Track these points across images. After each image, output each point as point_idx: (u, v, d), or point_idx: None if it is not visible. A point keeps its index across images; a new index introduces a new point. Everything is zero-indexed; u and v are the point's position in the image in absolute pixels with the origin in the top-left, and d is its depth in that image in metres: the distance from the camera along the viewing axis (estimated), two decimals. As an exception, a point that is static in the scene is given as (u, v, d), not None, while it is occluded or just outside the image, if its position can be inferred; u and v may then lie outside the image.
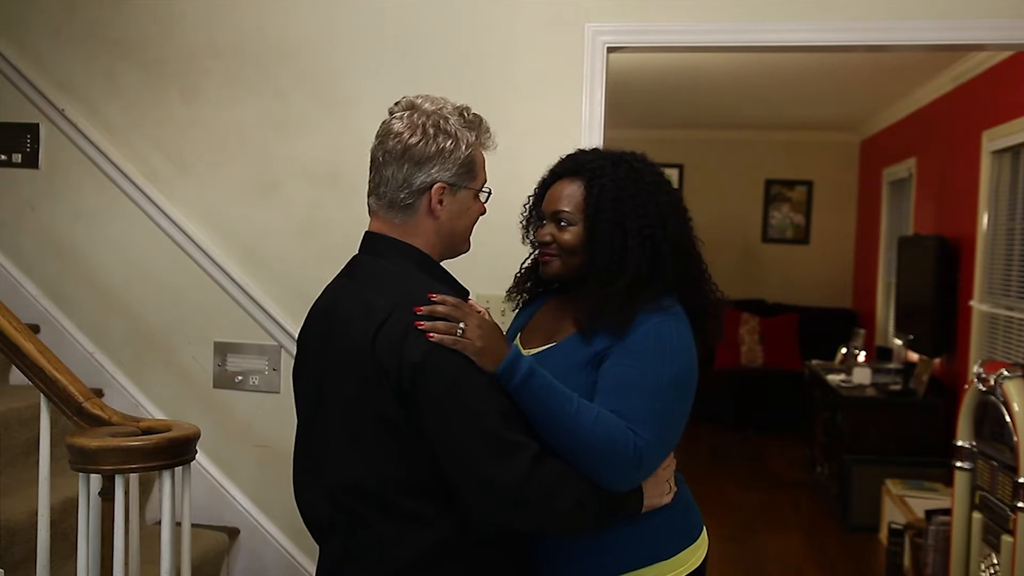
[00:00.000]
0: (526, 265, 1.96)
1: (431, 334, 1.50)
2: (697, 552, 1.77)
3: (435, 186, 1.63)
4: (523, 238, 1.94)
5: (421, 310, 1.52)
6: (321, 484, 1.65)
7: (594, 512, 1.57)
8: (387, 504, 1.56)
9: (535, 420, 1.55)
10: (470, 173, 1.67)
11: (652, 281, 1.69)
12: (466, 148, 1.64)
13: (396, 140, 1.63)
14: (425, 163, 1.62)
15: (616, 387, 1.61)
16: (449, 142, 1.63)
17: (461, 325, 1.52)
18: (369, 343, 1.52)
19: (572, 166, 1.81)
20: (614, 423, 1.56)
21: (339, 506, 1.62)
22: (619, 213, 1.69)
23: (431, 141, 1.62)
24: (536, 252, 1.88)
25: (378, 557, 1.58)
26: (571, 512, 1.55)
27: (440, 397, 1.50)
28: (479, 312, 1.59)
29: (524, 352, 1.77)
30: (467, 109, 1.69)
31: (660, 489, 1.69)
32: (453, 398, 1.50)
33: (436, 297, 1.54)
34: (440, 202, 1.64)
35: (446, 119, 1.64)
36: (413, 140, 1.62)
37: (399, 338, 1.50)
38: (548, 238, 1.77)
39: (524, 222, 1.92)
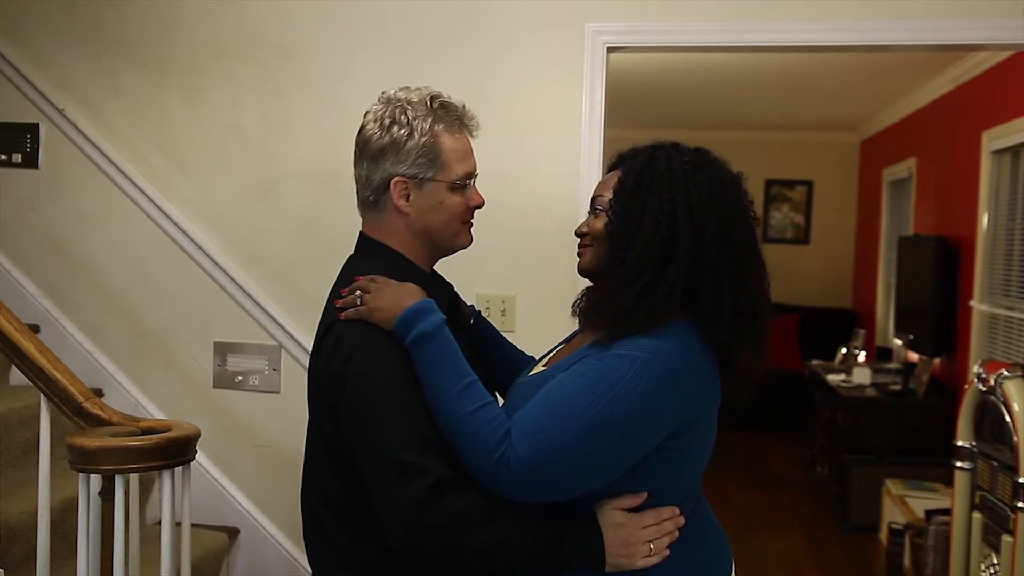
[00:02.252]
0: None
1: (341, 313, 1.49)
2: None
3: (393, 180, 1.55)
4: None
5: (344, 292, 1.51)
6: (303, 480, 1.66)
7: (523, 554, 1.41)
8: (340, 512, 1.53)
9: (425, 391, 1.43)
10: (433, 164, 1.56)
11: (659, 282, 1.45)
12: (420, 136, 1.54)
13: (359, 135, 1.60)
14: (379, 157, 1.55)
15: (539, 394, 1.44)
16: (402, 132, 1.54)
17: (358, 293, 1.50)
18: (315, 352, 1.53)
19: (619, 157, 1.64)
20: (492, 424, 1.38)
21: (312, 511, 1.62)
22: (641, 190, 1.49)
23: (384, 133, 1.55)
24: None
25: (337, 564, 1.56)
26: (488, 550, 1.39)
27: (352, 409, 1.44)
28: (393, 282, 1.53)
29: (535, 371, 1.64)
30: (435, 97, 1.60)
31: (629, 549, 1.43)
32: (362, 412, 1.42)
33: (359, 279, 1.52)
34: (405, 197, 1.56)
35: (404, 108, 1.56)
36: (369, 133, 1.57)
37: (331, 348, 1.48)
38: (584, 229, 1.60)
39: None
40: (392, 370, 1.43)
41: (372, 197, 1.58)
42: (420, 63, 2.95)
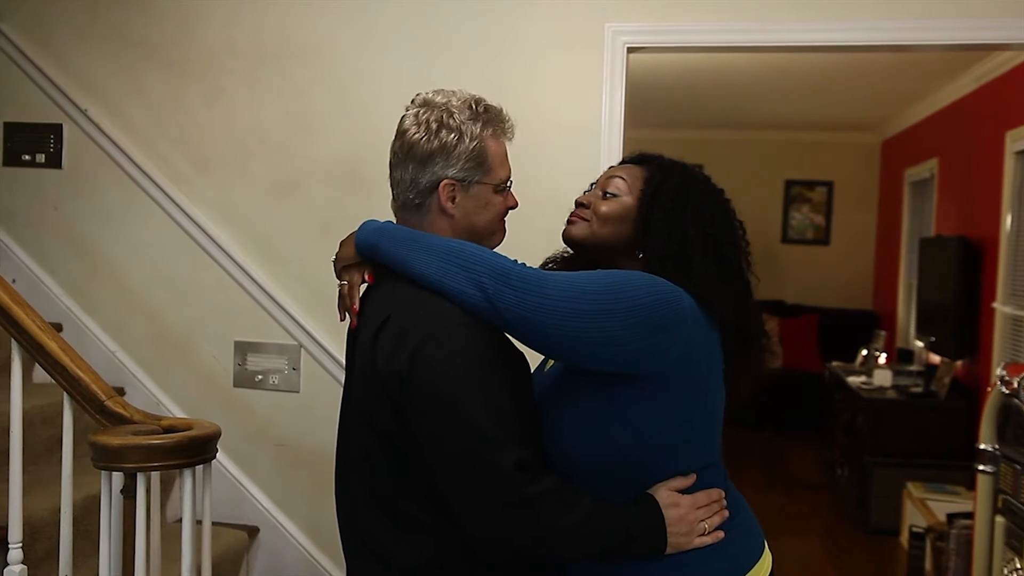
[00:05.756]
0: (554, 258, 1.84)
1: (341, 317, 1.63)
2: None
3: (442, 183, 1.56)
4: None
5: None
6: (341, 488, 1.66)
7: (601, 536, 1.45)
8: (390, 511, 1.53)
9: (421, 266, 1.48)
10: (481, 167, 1.58)
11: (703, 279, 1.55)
12: (471, 141, 1.56)
13: (402, 139, 1.60)
14: (428, 160, 1.56)
15: None
16: (452, 136, 1.55)
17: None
18: (371, 349, 1.51)
19: (641, 156, 1.72)
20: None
21: (352, 510, 1.62)
22: (681, 200, 1.59)
23: (433, 137, 1.56)
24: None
25: (380, 564, 1.55)
26: (569, 532, 1.43)
27: (426, 405, 1.44)
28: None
29: (549, 365, 1.68)
30: (479, 101, 1.61)
31: (688, 527, 1.50)
32: (437, 405, 1.43)
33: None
34: (452, 200, 1.57)
35: (451, 113, 1.57)
36: (416, 137, 1.57)
37: (392, 343, 1.46)
38: (586, 201, 1.66)
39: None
40: (464, 359, 1.44)
41: (418, 200, 1.59)
42: (440, 62, 2.96)
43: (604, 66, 2.85)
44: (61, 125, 3.29)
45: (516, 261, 1.47)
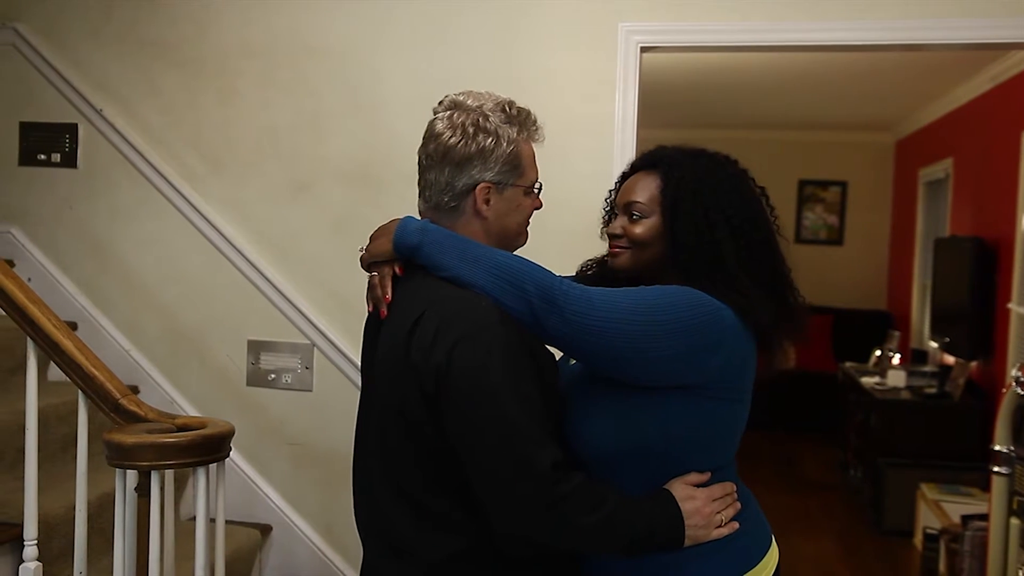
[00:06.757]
0: (593, 260, 1.87)
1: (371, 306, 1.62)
2: None
3: (479, 186, 1.58)
4: (601, 233, 1.83)
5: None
6: (361, 483, 1.66)
7: (625, 532, 1.47)
8: (415, 505, 1.53)
9: (466, 272, 1.50)
10: (516, 170, 1.61)
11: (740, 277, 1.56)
12: (507, 144, 1.59)
13: (436, 142, 1.60)
14: (465, 164, 1.57)
15: None
16: (489, 140, 1.57)
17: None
18: (404, 343, 1.50)
19: (649, 159, 1.72)
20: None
21: (374, 505, 1.61)
22: (700, 204, 1.59)
23: (471, 141, 1.57)
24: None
25: (402, 559, 1.55)
26: (597, 529, 1.44)
27: (462, 400, 1.44)
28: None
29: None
30: (511, 103, 1.63)
31: (705, 520, 1.53)
32: (474, 401, 1.43)
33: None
34: (487, 202, 1.59)
35: (486, 116, 1.59)
36: (453, 141, 1.58)
37: (430, 338, 1.46)
38: (619, 231, 1.67)
39: (604, 218, 1.83)
40: (501, 357, 1.44)
41: (453, 203, 1.60)
42: (453, 62, 2.96)
43: (617, 65, 2.84)
44: (76, 125, 3.30)
45: (561, 278, 1.49)
